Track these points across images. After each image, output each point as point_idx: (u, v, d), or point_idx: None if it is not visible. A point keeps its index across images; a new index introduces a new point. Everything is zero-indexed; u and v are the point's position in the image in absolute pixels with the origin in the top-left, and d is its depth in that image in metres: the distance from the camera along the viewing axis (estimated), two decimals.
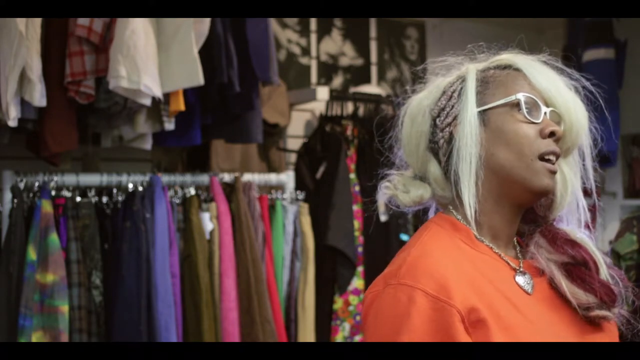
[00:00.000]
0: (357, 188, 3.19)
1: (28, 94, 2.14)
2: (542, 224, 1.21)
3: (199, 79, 2.31)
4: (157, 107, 2.47)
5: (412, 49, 4.05)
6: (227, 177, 2.78)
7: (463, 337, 1.02)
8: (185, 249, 2.59)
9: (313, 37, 3.71)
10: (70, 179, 2.45)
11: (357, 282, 3.11)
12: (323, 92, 3.23)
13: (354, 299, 3.10)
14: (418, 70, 1.31)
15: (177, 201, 2.63)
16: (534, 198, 1.16)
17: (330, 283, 3.08)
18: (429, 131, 1.20)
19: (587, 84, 1.22)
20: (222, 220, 2.63)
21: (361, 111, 3.36)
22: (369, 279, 3.10)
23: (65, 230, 2.34)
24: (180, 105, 2.38)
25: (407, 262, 1.08)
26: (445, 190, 1.19)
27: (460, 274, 1.07)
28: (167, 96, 2.38)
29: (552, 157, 1.14)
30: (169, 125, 2.49)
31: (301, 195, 3.00)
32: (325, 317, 3.06)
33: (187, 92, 2.46)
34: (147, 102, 2.27)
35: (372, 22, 3.90)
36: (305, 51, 3.68)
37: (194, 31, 2.32)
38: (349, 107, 3.37)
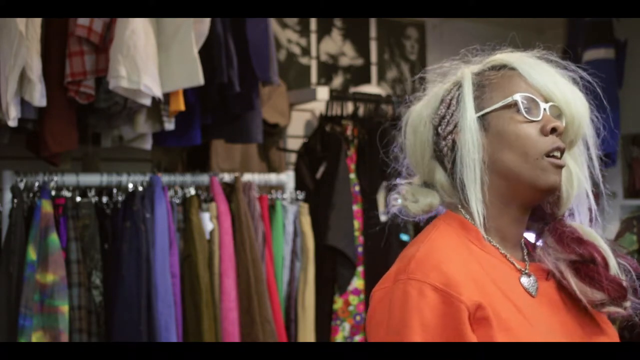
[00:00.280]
0: (357, 188, 3.19)
1: (28, 94, 2.14)
2: (551, 221, 1.20)
3: (199, 79, 2.31)
4: (157, 107, 2.47)
5: (412, 49, 4.05)
6: (227, 177, 2.78)
7: (470, 334, 1.02)
8: (185, 249, 2.59)
9: (313, 37, 3.71)
10: (70, 179, 2.45)
11: (357, 282, 3.11)
12: (323, 92, 3.23)
13: (354, 299, 3.10)
14: (415, 81, 1.31)
15: (177, 201, 2.63)
16: (542, 196, 1.15)
17: (330, 283, 3.08)
18: (433, 140, 1.20)
19: (584, 74, 1.21)
20: (222, 220, 2.63)
21: (361, 111, 3.36)
22: (369, 279, 3.10)
23: (65, 230, 2.34)
24: (180, 105, 2.38)
25: (416, 258, 1.08)
26: (453, 197, 1.19)
27: (467, 272, 1.07)
28: (167, 96, 2.38)
29: (557, 154, 1.13)
30: (169, 125, 2.49)
31: (301, 195, 3.00)
32: (325, 317, 3.05)
33: (187, 92, 2.46)
34: (147, 102, 2.27)
35: (372, 22, 3.90)
36: (305, 51, 3.68)
37: (194, 31, 2.32)
38: (349, 107, 3.37)
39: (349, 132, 3.24)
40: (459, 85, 1.19)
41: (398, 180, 1.27)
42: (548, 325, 1.10)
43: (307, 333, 2.89)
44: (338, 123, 3.28)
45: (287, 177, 3.01)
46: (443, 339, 1.02)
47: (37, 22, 2.15)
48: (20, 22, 2.09)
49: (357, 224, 3.15)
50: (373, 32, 3.91)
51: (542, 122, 1.14)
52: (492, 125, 1.14)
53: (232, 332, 2.54)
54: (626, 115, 3.71)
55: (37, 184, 2.38)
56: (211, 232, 2.62)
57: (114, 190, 2.51)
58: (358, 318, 3.10)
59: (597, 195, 1.23)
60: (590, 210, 1.22)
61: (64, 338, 2.22)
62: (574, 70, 1.21)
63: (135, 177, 2.54)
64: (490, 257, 1.13)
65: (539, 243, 1.22)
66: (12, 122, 2.13)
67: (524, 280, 1.13)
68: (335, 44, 3.79)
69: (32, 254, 2.23)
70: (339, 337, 3.06)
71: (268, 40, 2.63)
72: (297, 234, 2.94)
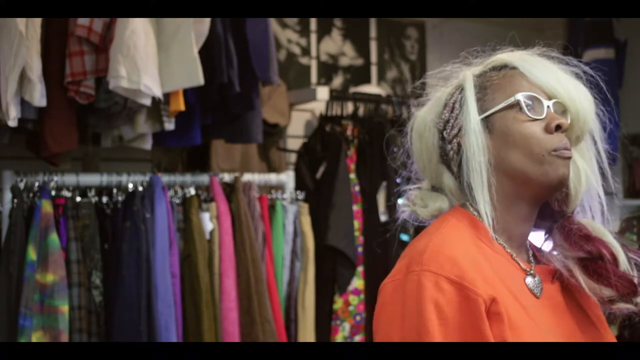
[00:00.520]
0: (357, 188, 3.19)
1: (28, 94, 2.14)
2: (559, 218, 1.20)
3: (199, 79, 2.31)
4: (157, 107, 2.47)
5: (412, 49, 4.05)
6: (227, 177, 2.78)
7: (487, 329, 1.01)
8: (185, 249, 2.59)
9: (313, 37, 3.71)
10: (70, 179, 2.45)
11: (357, 282, 3.11)
12: (323, 92, 3.23)
13: (354, 299, 3.10)
14: (416, 88, 1.31)
15: (177, 201, 2.63)
16: (552, 191, 1.15)
17: (330, 283, 3.08)
18: (438, 144, 1.19)
19: (587, 68, 1.20)
20: (222, 220, 2.63)
21: (361, 111, 3.36)
22: (369, 279, 3.10)
23: (65, 230, 2.34)
24: (180, 105, 2.38)
25: (429, 249, 1.07)
26: (462, 200, 1.19)
27: (478, 267, 1.06)
28: (167, 96, 2.38)
29: (564, 151, 1.12)
30: (169, 125, 2.49)
31: (301, 195, 3.00)
32: (325, 317, 3.05)
33: (187, 92, 2.46)
34: (147, 102, 2.27)
35: (372, 22, 3.90)
36: (305, 51, 3.68)
37: (194, 31, 2.32)
38: (349, 107, 3.37)
39: (349, 132, 3.24)
40: (461, 89, 1.19)
41: (407, 185, 1.26)
42: (550, 327, 1.09)
43: (307, 333, 2.89)
44: (338, 123, 3.28)
45: (287, 177, 3.01)
46: (461, 332, 1.01)
47: (37, 22, 2.15)
48: (20, 22, 2.09)
49: (357, 224, 3.14)
50: (373, 32, 3.91)
51: (546, 119, 1.13)
52: (496, 126, 1.14)
53: (232, 332, 2.54)
54: (626, 115, 3.71)
55: (37, 184, 2.38)
56: (211, 232, 2.62)
57: (114, 190, 2.51)
58: (358, 318, 3.10)
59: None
60: (600, 205, 1.21)
61: (64, 338, 2.22)
62: (576, 66, 1.20)
63: (135, 177, 2.54)
64: (498, 256, 1.13)
65: (546, 245, 1.21)
66: (12, 122, 2.13)
67: (529, 280, 1.13)
68: (335, 44, 3.79)
69: (32, 254, 2.23)
70: (339, 337, 3.06)
71: (268, 40, 2.63)
72: (297, 234, 2.94)
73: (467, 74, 1.20)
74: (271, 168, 3.34)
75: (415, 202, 1.23)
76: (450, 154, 1.17)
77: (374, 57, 3.91)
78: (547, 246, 1.21)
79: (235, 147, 3.16)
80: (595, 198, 1.21)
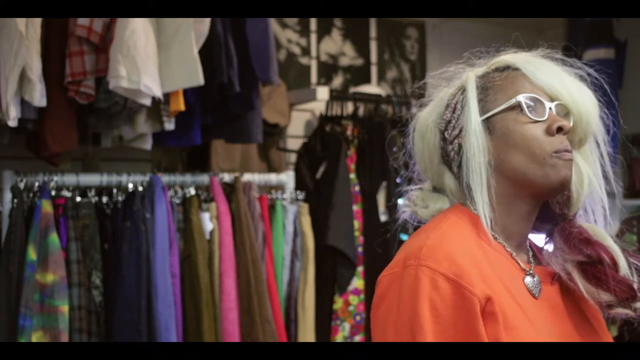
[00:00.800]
0: (357, 188, 3.19)
1: (28, 94, 2.14)
2: (560, 221, 1.19)
3: (199, 79, 2.31)
4: (157, 107, 2.47)
5: (412, 49, 4.05)
6: (227, 177, 2.78)
7: (481, 329, 1.01)
8: (185, 249, 2.59)
9: (313, 37, 3.71)
10: (70, 179, 2.45)
11: (357, 282, 3.11)
12: (323, 92, 3.23)
13: (354, 299, 3.10)
14: (417, 89, 1.31)
15: (177, 201, 2.63)
16: (554, 193, 1.14)
17: (330, 283, 3.08)
18: (440, 145, 1.19)
19: (591, 70, 1.20)
20: (222, 220, 2.63)
21: (361, 111, 3.36)
22: (369, 279, 3.10)
23: (65, 230, 2.34)
24: (180, 105, 2.38)
25: (428, 245, 1.07)
26: (462, 200, 1.19)
27: (477, 265, 1.06)
28: (167, 96, 2.38)
29: (565, 153, 1.12)
30: (169, 125, 2.49)
31: (301, 195, 3.00)
32: (325, 317, 3.05)
33: (187, 92, 2.46)
34: (147, 102, 2.27)
35: (372, 22, 3.90)
36: (305, 51, 3.68)
37: (194, 31, 2.32)
38: (349, 107, 3.37)
39: (349, 132, 3.24)
40: (463, 89, 1.18)
41: (404, 186, 1.26)
42: (546, 328, 1.09)
43: (307, 333, 2.89)
44: (338, 123, 3.28)
45: (287, 177, 3.01)
46: (454, 330, 1.01)
47: (37, 22, 2.14)
48: (20, 22, 2.09)
49: (357, 224, 3.15)
50: (373, 32, 3.91)
51: (548, 121, 1.13)
52: (497, 127, 1.14)
53: (232, 332, 2.54)
54: (626, 115, 3.70)
55: (37, 184, 2.38)
56: (211, 232, 2.62)
57: (114, 190, 2.51)
58: (358, 318, 3.10)
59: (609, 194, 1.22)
60: (603, 209, 1.20)
61: (64, 338, 2.22)
62: (580, 68, 1.20)
63: (135, 177, 2.54)
64: (497, 254, 1.12)
65: (546, 246, 1.21)
66: (12, 122, 2.13)
67: (528, 280, 1.13)
68: (335, 44, 3.79)
69: (32, 254, 2.23)
70: (339, 337, 3.06)
71: (268, 40, 2.63)
72: (297, 234, 2.94)
73: (470, 75, 1.19)
74: (271, 168, 3.34)
75: (416, 202, 1.23)
76: (451, 155, 1.17)
77: (374, 57, 3.91)
78: (548, 248, 1.21)
79: (235, 147, 3.16)
80: (598, 202, 1.20)
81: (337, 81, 3.79)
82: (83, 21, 2.20)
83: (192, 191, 2.67)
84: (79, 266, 2.33)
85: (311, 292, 2.92)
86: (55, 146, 2.29)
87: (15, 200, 2.31)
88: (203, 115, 2.64)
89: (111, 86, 2.20)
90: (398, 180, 1.21)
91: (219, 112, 2.66)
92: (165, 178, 2.61)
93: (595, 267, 1.12)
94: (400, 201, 1.27)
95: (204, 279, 2.55)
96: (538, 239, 1.24)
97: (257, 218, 2.76)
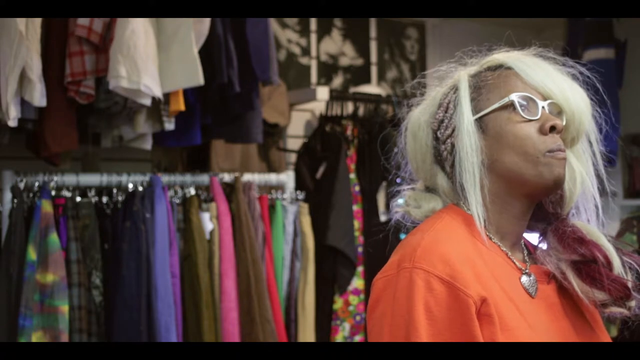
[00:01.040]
0: (357, 188, 3.19)
1: (28, 94, 2.14)
2: (554, 221, 1.19)
3: (199, 79, 2.31)
4: (157, 107, 2.47)
5: (412, 49, 4.05)
6: (227, 177, 2.78)
7: (477, 331, 1.00)
8: (185, 249, 2.59)
9: (313, 37, 3.71)
10: (70, 179, 2.45)
11: (357, 282, 3.11)
12: (323, 92, 3.23)
13: (354, 299, 3.10)
14: (413, 85, 1.30)
15: (177, 201, 2.63)
16: (548, 192, 1.14)
17: (330, 283, 3.08)
18: (432, 145, 1.18)
19: (583, 69, 1.19)
20: (222, 220, 2.63)
21: (361, 111, 3.36)
22: (369, 279, 3.10)
23: (65, 230, 2.34)
24: (180, 105, 2.38)
25: (422, 246, 1.06)
26: (455, 201, 1.18)
27: (472, 266, 1.05)
28: (167, 96, 2.38)
29: (558, 152, 1.12)
30: (169, 125, 2.49)
31: (301, 195, 3.00)
32: (325, 317, 3.06)
33: (187, 92, 2.46)
34: (147, 102, 2.27)
35: (372, 22, 3.90)
36: (305, 51, 3.68)
37: (194, 31, 2.32)
38: (349, 107, 3.37)
39: (349, 132, 3.24)
40: (455, 89, 1.18)
41: (401, 186, 1.26)
42: (544, 327, 1.09)
43: (307, 333, 2.89)
44: (338, 123, 3.28)
45: (287, 177, 3.01)
46: (449, 332, 1.01)
47: (37, 22, 2.14)
48: (20, 22, 2.09)
49: (357, 224, 3.15)
50: (373, 32, 3.91)
51: (541, 120, 1.12)
52: (490, 126, 1.13)
53: (232, 332, 2.54)
54: (626, 115, 3.71)
55: (37, 184, 2.38)
56: (211, 232, 2.62)
57: (114, 190, 2.51)
58: (358, 318, 3.10)
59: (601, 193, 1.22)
60: (596, 207, 1.20)
61: (64, 338, 2.22)
62: (573, 66, 1.19)
63: (135, 177, 2.54)
64: (492, 254, 1.12)
65: (541, 245, 1.21)
66: (12, 122, 2.13)
67: (524, 279, 1.12)
68: (335, 44, 3.79)
69: (32, 254, 2.23)
70: (339, 337, 3.06)
71: (268, 40, 2.63)
72: (297, 234, 2.94)
73: (462, 74, 1.19)
74: (271, 168, 3.34)
75: (409, 202, 1.22)
76: (444, 155, 1.17)
77: (374, 57, 3.91)
78: (542, 247, 1.20)
79: (235, 147, 3.16)
80: (591, 200, 1.20)
81: (337, 81, 3.79)
82: (83, 21, 2.20)
83: (192, 191, 2.67)
84: (79, 266, 2.33)
85: (311, 292, 2.92)
86: (55, 146, 2.29)
87: (15, 200, 2.31)
88: (203, 115, 2.65)
89: (111, 86, 2.20)
90: (398, 180, 1.20)
91: (219, 112, 2.66)
92: (165, 178, 2.61)
93: (590, 266, 1.12)
94: (393, 202, 1.26)
95: (204, 279, 2.55)
96: (532, 238, 1.24)
97: (257, 218, 2.76)
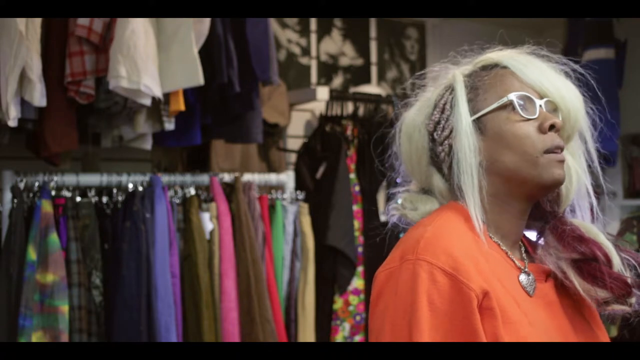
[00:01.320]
0: (357, 188, 3.19)
1: (28, 94, 2.14)
2: (551, 219, 1.19)
3: (199, 79, 2.31)
4: (157, 107, 2.47)
5: (412, 49, 4.05)
6: (227, 177, 2.78)
7: (478, 324, 1.00)
8: (185, 249, 2.59)
9: (313, 37, 3.71)
10: (70, 179, 2.45)
11: (357, 282, 3.11)
12: (323, 92, 3.23)
13: (354, 299, 3.10)
14: (410, 84, 1.30)
15: (177, 201, 2.63)
16: (546, 192, 1.14)
17: (330, 283, 3.08)
18: (428, 146, 1.18)
19: (576, 66, 1.19)
20: (222, 220, 2.63)
21: (361, 111, 3.36)
22: (369, 279, 3.10)
23: (65, 230, 2.34)
24: (180, 105, 2.38)
25: (425, 239, 1.06)
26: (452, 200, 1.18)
27: (473, 261, 1.05)
28: (167, 96, 2.38)
29: (557, 151, 1.12)
30: (169, 125, 2.49)
31: (301, 195, 3.00)
32: (325, 317, 3.06)
33: (187, 92, 2.46)
34: (147, 102, 2.27)
35: (372, 22, 3.90)
36: (305, 51, 3.68)
37: (194, 31, 2.32)
38: (349, 107, 3.37)
39: (349, 132, 3.24)
40: (451, 89, 1.17)
41: (396, 188, 1.25)
42: (543, 326, 1.09)
43: (307, 333, 2.89)
44: (338, 123, 3.28)
45: (287, 177, 3.01)
46: (451, 325, 1.00)
47: (37, 22, 2.14)
48: (20, 22, 2.09)
49: (357, 224, 3.15)
50: (373, 32, 3.91)
51: (539, 119, 1.12)
52: (489, 127, 1.13)
53: (232, 332, 2.54)
54: (626, 115, 3.71)
55: (37, 184, 2.38)
56: (211, 232, 2.62)
57: (114, 190, 2.51)
58: (358, 318, 3.10)
59: (598, 192, 1.22)
60: (591, 205, 1.20)
61: (64, 338, 2.22)
62: (566, 64, 1.19)
63: (135, 177, 2.54)
64: (492, 252, 1.12)
65: (540, 242, 1.20)
66: (12, 122, 2.13)
67: (523, 278, 1.12)
68: (335, 44, 3.79)
69: (32, 254, 2.23)
70: (339, 337, 3.06)
71: (268, 40, 2.63)
72: (297, 234, 2.94)
73: (457, 74, 1.18)
74: (271, 168, 3.34)
75: (405, 205, 1.22)
76: (441, 156, 1.16)
77: (374, 57, 3.91)
78: (540, 245, 1.20)
79: (235, 147, 3.16)
80: (585, 197, 1.20)
81: (337, 81, 3.79)
82: (83, 21, 2.20)
83: (192, 191, 2.67)
84: (79, 266, 2.33)
85: (311, 292, 2.92)
86: (55, 146, 2.29)
87: (15, 200, 2.31)
88: (203, 115, 2.65)
89: (111, 86, 2.20)
90: (398, 180, 1.20)
91: (219, 112, 2.66)
92: (165, 178, 2.61)
93: (590, 264, 1.12)
94: (389, 204, 1.25)
95: (204, 279, 2.55)
96: (529, 236, 1.24)
97: (257, 218, 2.76)
